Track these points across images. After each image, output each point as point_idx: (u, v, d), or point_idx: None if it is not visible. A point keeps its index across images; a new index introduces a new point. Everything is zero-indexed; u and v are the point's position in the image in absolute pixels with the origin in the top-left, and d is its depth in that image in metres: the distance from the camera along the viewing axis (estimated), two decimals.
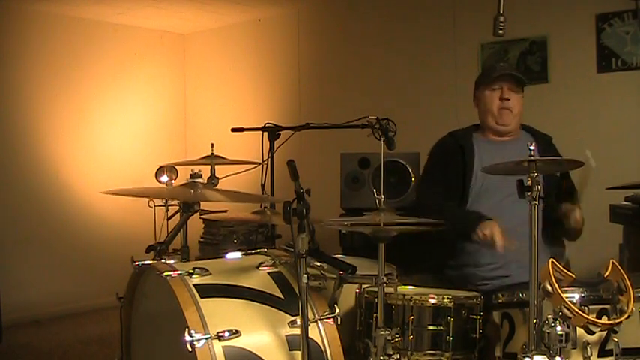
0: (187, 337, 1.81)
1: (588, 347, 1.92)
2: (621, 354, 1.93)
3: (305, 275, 1.82)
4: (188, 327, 1.83)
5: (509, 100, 2.64)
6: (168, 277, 1.98)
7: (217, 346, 1.85)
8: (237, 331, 1.89)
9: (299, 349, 1.87)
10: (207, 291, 1.98)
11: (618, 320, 1.84)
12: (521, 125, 2.75)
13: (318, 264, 2.21)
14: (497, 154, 2.57)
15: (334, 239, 4.03)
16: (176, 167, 3.69)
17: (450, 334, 2.14)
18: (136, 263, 2.16)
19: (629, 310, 1.83)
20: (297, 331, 1.93)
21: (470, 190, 2.66)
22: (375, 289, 2.11)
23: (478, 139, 2.75)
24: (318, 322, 2.03)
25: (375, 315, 2.13)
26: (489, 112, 2.68)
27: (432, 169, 2.84)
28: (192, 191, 2.28)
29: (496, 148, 2.68)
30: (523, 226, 2.50)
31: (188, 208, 2.52)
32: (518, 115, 2.67)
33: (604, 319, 1.89)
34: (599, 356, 1.95)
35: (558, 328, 1.81)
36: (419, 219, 2.18)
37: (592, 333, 1.87)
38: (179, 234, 2.69)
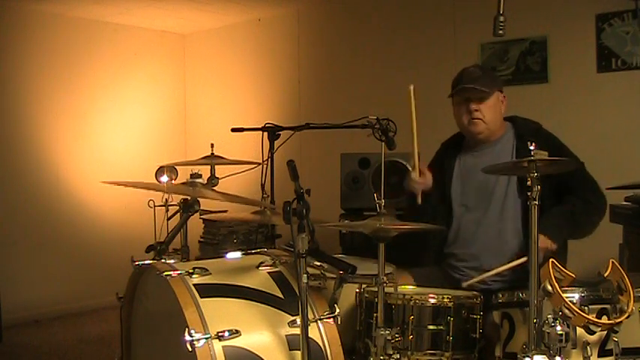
0: (187, 337, 1.81)
1: (588, 347, 1.92)
2: (621, 354, 1.93)
3: (305, 275, 1.81)
4: (188, 327, 1.83)
5: (477, 111, 2.61)
6: (168, 277, 1.98)
7: (217, 346, 1.85)
8: (237, 331, 1.89)
9: (299, 349, 1.87)
10: (207, 291, 1.98)
11: (618, 320, 1.84)
12: (506, 118, 2.74)
13: (318, 264, 2.21)
14: (476, 165, 2.60)
15: (334, 239, 4.03)
16: (176, 167, 3.69)
17: (450, 334, 2.14)
18: (136, 263, 2.16)
19: (629, 310, 1.83)
20: (297, 331, 1.93)
21: (452, 205, 2.74)
22: (375, 289, 2.11)
23: (464, 149, 2.79)
24: (318, 322, 2.03)
25: (375, 315, 2.12)
26: (461, 125, 2.71)
27: None
28: (191, 189, 2.28)
29: (477, 157, 2.70)
30: (502, 244, 2.54)
31: (188, 207, 2.52)
32: (492, 121, 2.64)
33: (604, 319, 1.89)
34: (599, 356, 1.94)
35: (558, 328, 1.81)
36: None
37: (592, 333, 1.87)
38: (179, 234, 2.69)
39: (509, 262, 2.39)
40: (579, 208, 2.49)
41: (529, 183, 1.94)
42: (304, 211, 1.83)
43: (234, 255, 2.36)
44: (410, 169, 2.65)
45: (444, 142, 2.91)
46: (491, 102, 2.63)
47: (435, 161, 2.91)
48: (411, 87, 2.50)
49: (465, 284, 2.47)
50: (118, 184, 2.21)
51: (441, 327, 2.14)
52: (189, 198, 2.55)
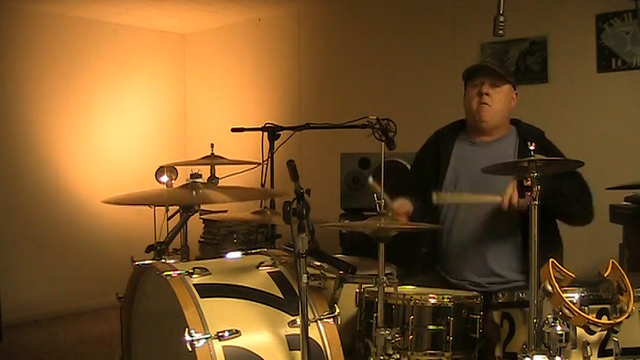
0: (187, 337, 1.81)
1: (588, 347, 1.92)
2: (621, 354, 1.93)
3: (305, 275, 1.81)
4: (188, 327, 1.83)
5: (487, 95, 2.60)
6: (168, 277, 1.98)
7: (217, 346, 1.85)
8: (237, 331, 1.89)
9: (299, 349, 1.87)
10: (207, 291, 1.98)
11: (618, 320, 1.84)
12: (511, 120, 2.73)
13: (318, 264, 2.21)
14: (475, 159, 2.60)
15: (334, 239, 4.03)
16: (176, 167, 3.69)
17: (450, 334, 2.14)
18: (136, 263, 2.16)
19: (629, 310, 1.83)
20: (297, 331, 1.93)
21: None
22: (375, 289, 2.11)
23: (461, 139, 2.76)
24: (318, 322, 2.03)
25: (375, 315, 2.12)
26: (469, 109, 2.68)
27: (412, 171, 2.99)
28: (193, 192, 2.28)
29: (476, 151, 2.69)
30: (495, 238, 2.53)
31: (188, 208, 2.52)
32: (500, 112, 2.63)
33: (604, 319, 1.89)
34: (599, 356, 1.94)
35: (558, 328, 1.81)
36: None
37: (592, 333, 1.87)
38: (179, 234, 2.69)
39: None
40: (568, 196, 2.44)
41: (529, 183, 1.94)
42: (304, 211, 1.83)
43: (234, 255, 2.35)
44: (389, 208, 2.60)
45: (438, 130, 2.87)
46: (503, 91, 2.62)
47: (429, 147, 2.85)
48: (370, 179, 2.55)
49: (435, 198, 2.47)
50: (120, 203, 2.21)
51: (441, 327, 2.14)
52: None
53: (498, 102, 2.62)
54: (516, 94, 2.70)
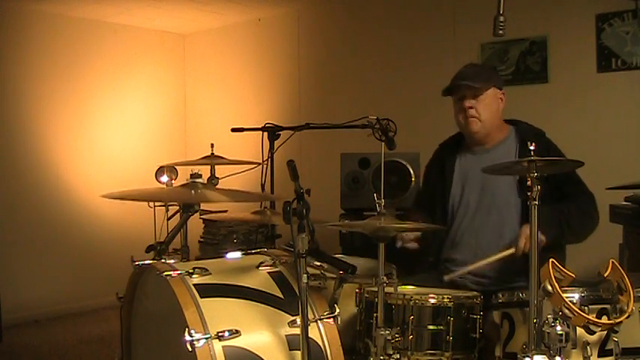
0: (187, 337, 1.81)
1: (588, 347, 1.92)
2: (621, 354, 1.93)
3: (305, 275, 1.81)
4: (188, 327, 1.83)
5: (472, 108, 2.60)
6: (168, 277, 1.98)
7: (217, 346, 1.85)
8: (237, 331, 1.89)
9: (299, 349, 1.87)
10: (207, 291, 1.98)
11: (618, 320, 1.84)
12: (510, 121, 2.73)
13: (318, 264, 2.21)
14: (477, 169, 2.57)
15: (334, 239, 4.03)
16: (176, 167, 3.69)
17: (450, 334, 2.14)
18: (136, 263, 2.16)
19: (629, 310, 1.83)
20: (297, 331, 1.93)
21: (449, 207, 2.73)
22: (375, 289, 2.11)
23: (463, 151, 2.77)
24: (318, 322, 2.03)
25: (375, 315, 2.12)
26: (459, 123, 2.70)
27: (422, 187, 3.04)
28: (192, 192, 2.28)
29: (477, 160, 2.68)
30: (498, 242, 2.53)
31: (188, 208, 2.52)
32: (490, 118, 2.62)
33: (604, 319, 1.90)
34: (599, 356, 1.95)
35: (558, 328, 1.81)
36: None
37: (592, 333, 1.87)
38: (179, 234, 2.69)
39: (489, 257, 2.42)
40: (574, 214, 2.48)
41: (529, 183, 1.94)
42: (304, 211, 1.83)
43: (234, 255, 2.35)
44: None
45: (442, 142, 2.90)
46: (486, 99, 2.61)
47: (435, 161, 2.90)
48: None
49: (446, 278, 2.46)
50: (119, 197, 2.21)
51: (441, 327, 2.14)
52: None
53: (484, 110, 2.61)
54: (503, 93, 2.68)
